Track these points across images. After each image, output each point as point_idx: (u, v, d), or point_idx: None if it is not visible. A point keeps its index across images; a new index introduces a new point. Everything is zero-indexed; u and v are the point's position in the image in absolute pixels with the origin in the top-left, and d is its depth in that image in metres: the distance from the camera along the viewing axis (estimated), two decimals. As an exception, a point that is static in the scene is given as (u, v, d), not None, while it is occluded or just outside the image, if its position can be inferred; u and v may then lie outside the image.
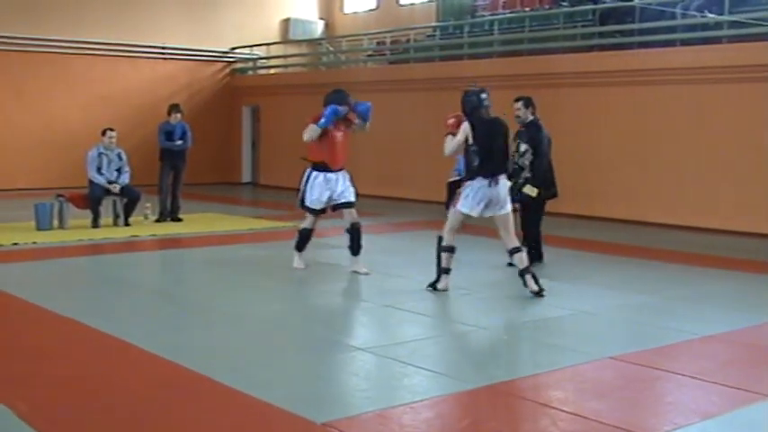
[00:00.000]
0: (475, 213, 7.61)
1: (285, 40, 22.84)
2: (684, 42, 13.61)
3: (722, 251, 10.83)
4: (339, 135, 8.60)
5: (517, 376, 5.35)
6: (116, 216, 12.19)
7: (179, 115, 13.01)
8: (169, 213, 12.91)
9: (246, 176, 22.21)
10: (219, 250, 10.52)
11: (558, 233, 12.30)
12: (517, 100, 9.30)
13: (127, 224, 12.11)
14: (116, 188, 12.00)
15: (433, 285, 7.82)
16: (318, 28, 23.58)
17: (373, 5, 22.95)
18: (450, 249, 7.76)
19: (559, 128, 14.73)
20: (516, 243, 7.69)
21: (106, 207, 12.12)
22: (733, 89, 12.56)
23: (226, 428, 4.36)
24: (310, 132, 8.47)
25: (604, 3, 15.38)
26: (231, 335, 6.38)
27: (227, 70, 22.10)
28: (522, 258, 7.64)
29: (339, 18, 23.93)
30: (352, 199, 8.63)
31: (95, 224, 11.89)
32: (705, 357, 5.91)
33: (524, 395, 4.97)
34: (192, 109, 19.40)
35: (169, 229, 12.19)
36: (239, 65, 22.38)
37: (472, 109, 7.61)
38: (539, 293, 7.54)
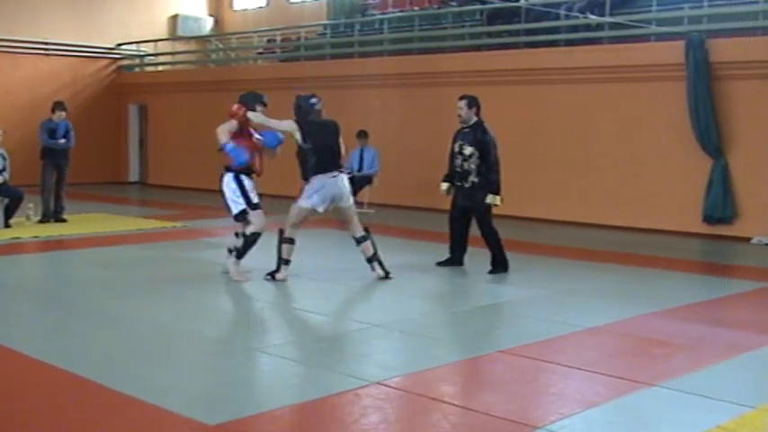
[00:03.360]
0: (321, 209, 8.07)
1: (173, 37, 22.43)
2: (568, 43, 14.02)
3: (609, 246, 11.19)
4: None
5: (409, 372, 5.40)
6: (-4, 217, 11.75)
7: (63, 113, 12.62)
8: (53, 214, 12.51)
9: (134, 176, 21.72)
10: (106, 251, 10.24)
11: (446, 230, 12.47)
12: (461, 98, 8.94)
13: (7, 226, 11.67)
14: None
15: (272, 275, 8.11)
16: (207, 25, 23.27)
17: (263, 3, 22.81)
18: (291, 241, 8.15)
19: (448, 126, 14.95)
20: (362, 232, 8.14)
21: (-15, 208, 11.69)
22: (613, 88, 13.01)
23: (115, 434, 4.27)
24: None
25: (492, 3, 15.67)
26: (121, 339, 6.23)
27: (113, 67, 21.55)
28: (367, 247, 8.07)
29: (228, 15, 23.67)
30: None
31: (-27, 226, 11.44)
32: (588, 348, 6.10)
33: (416, 390, 5.02)
34: (78, 107, 18.84)
35: (53, 230, 11.81)
36: (126, 62, 21.85)
37: (303, 113, 8.08)
38: (386, 276, 8.07)
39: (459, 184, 8.91)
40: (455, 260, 9.21)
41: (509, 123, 14.21)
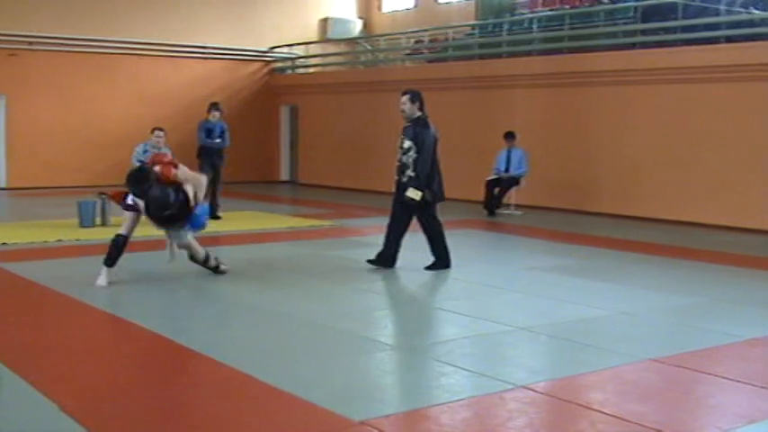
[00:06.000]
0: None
1: (324, 40, 22.90)
2: (729, 39, 13.41)
3: (763, 252, 10.65)
4: None
5: (556, 377, 5.29)
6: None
7: (218, 114, 13.10)
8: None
9: (285, 175, 22.31)
10: (259, 248, 10.56)
11: (596, 232, 12.20)
12: (404, 93, 8.82)
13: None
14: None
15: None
16: (357, 27, 23.61)
17: (411, 4, 22.93)
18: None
19: (599, 126, 14.64)
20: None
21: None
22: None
23: (265, 426, 4.37)
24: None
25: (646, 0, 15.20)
26: (270, 333, 6.40)
27: (266, 70, 22.21)
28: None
29: (377, 17, 23.95)
30: None
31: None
32: (749, 360, 5.80)
33: (563, 396, 4.91)
34: (232, 108, 19.53)
35: (208, 227, 12.23)
36: (278, 64, 22.48)
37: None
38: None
39: (397, 178, 8.83)
40: (386, 259, 8.93)
41: (661, 123, 13.75)
